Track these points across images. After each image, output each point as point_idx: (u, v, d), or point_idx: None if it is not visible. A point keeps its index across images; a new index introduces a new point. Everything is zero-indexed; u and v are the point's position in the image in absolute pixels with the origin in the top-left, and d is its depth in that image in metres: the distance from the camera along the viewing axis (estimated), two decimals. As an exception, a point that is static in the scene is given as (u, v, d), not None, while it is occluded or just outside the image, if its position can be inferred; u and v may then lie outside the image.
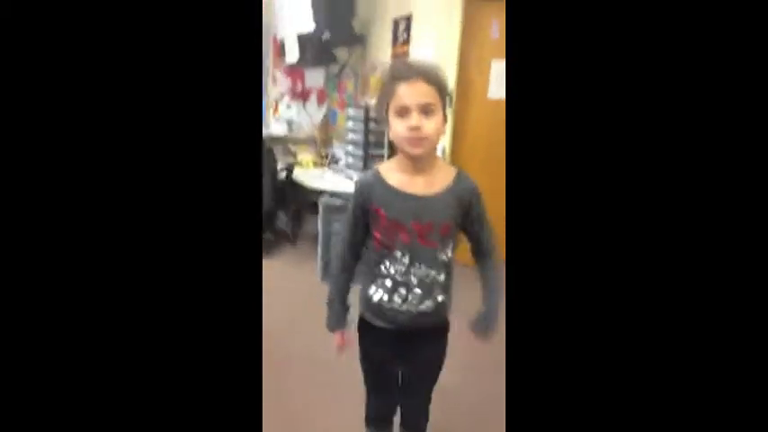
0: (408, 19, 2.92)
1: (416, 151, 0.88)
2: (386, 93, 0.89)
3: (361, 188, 0.95)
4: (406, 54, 2.96)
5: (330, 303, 1.05)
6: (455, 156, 2.74)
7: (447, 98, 0.90)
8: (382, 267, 0.95)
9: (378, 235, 0.94)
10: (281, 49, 3.56)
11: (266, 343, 2.23)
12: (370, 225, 0.96)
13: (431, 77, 0.87)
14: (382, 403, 1.14)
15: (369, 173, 0.97)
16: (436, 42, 2.75)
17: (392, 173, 0.93)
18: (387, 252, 0.93)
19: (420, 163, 0.91)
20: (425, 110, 0.86)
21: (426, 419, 1.16)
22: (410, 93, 0.85)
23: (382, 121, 0.93)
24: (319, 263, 2.72)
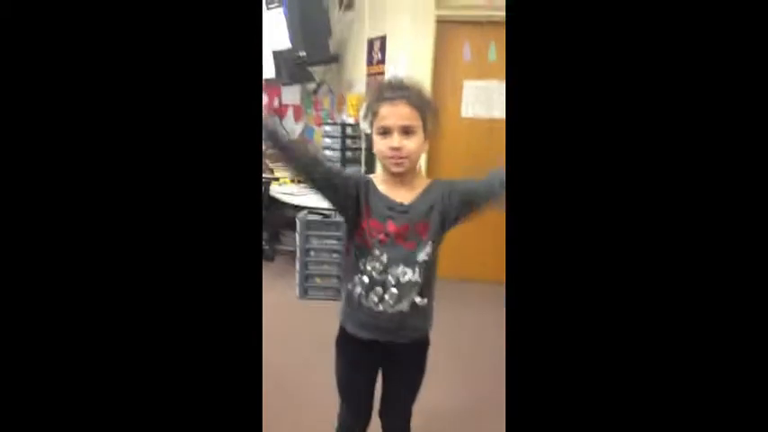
0: (383, 39, 3.00)
1: (397, 169, 0.94)
2: (370, 111, 0.95)
3: (362, 177, 1.01)
4: (381, 73, 3.03)
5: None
6: (431, 172, 2.81)
7: (430, 116, 0.96)
8: (360, 264, 0.97)
9: (359, 230, 0.96)
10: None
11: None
12: (353, 218, 0.98)
13: (413, 99, 0.92)
14: (355, 419, 1.15)
15: (364, 179, 1.01)
16: (410, 63, 2.83)
17: (379, 182, 0.99)
18: (366, 249, 0.96)
19: (401, 177, 0.96)
20: (406, 131, 0.92)
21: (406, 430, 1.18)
22: (392, 114, 0.91)
23: (369, 135, 1.00)
24: (298, 279, 2.72)
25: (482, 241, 2.96)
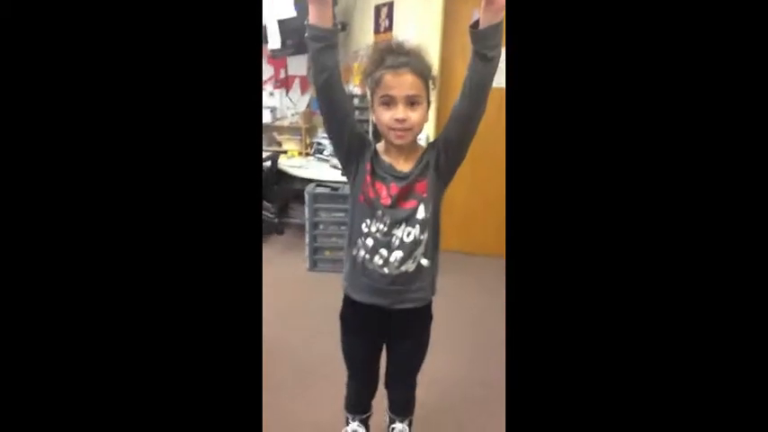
0: (390, 6, 2.91)
1: (400, 141, 0.92)
2: (372, 79, 0.90)
3: (368, 138, 0.99)
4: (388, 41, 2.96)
5: None
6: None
7: (432, 84, 0.93)
8: (364, 226, 0.96)
9: (362, 191, 0.96)
10: (262, 37, 3.51)
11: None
12: (355, 177, 0.97)
13: (417, 68, 0.89)
14: (362, 388, 1.18)
15: (372, 142, 0.99)
16: (418, 30, 2.75)
17: (381, 150, 0.98)
18: (369, 210, 0.95)
19: (401, 147, 0.95)
20: (411, 101, 0.89)
21: (413, 404, 1.21)
22: (397, 84, 0.88)
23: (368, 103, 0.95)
24: (307, 252, 2.75)
25: (485, 216, 2.96)
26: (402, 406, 1.19)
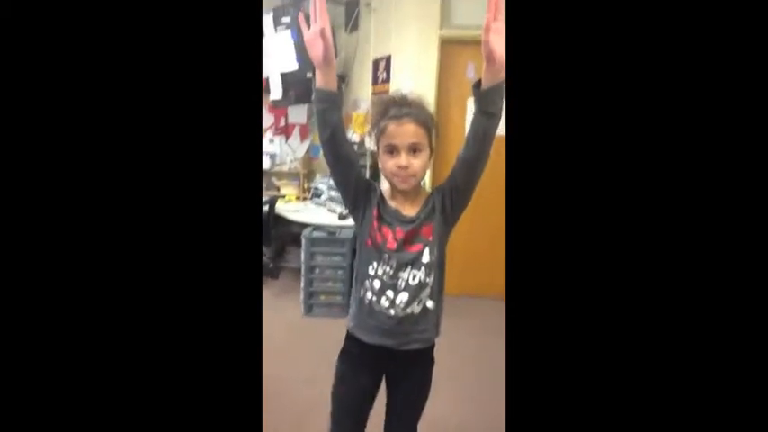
0: (388, 59, 3.06)
1: (404, 186, 0.97)
2: (377, 129, 0.96)
3: (374, 183, 1.02)
4: (386, 92, 3.08)
5: None
6: (436, 184, 2.83)
7: (434, 132, 0.98)
8: (370, 268, 0.98)
9: (369, 235, 0.98)
10: (265, 87, 3.66)
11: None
12: (362, 221, 1.00)
13: (419, 117, 0.94)
14: None
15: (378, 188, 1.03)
16: (414, 81, 2.88)
17: (387, 196, 1.02)
18: (376, 253, 0.97)
19: (406, 193, 0.99)
20: (414, 149, 0.94)
21: None
22: (400, 133, 0.93)
23: (374, 152, 1.01)
24: (302, 297, 2.72)
25: (485, 259, 2.96)
26: None
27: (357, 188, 0.99)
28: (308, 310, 2.71)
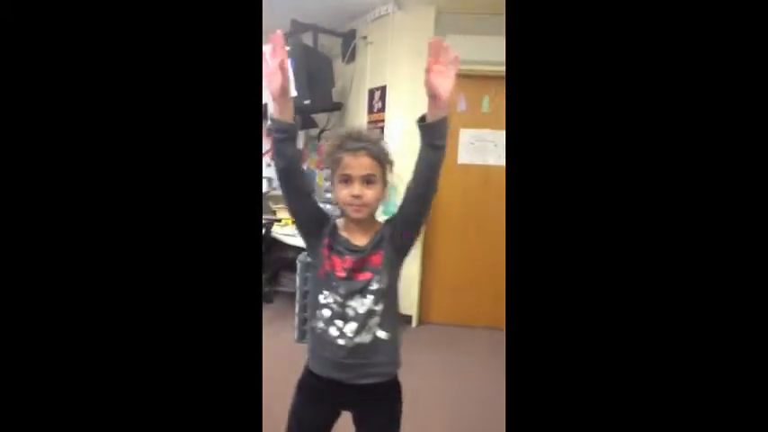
0: (383, 89, 3.15)
1: (357, 215, 1.00)
2: (332, 160, 1.01)
3: (330, 215, 1.06)
4: (381, 121, 3.17)
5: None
6: (430, 216, 2.87)
7: (388, 166, 1.03)
8: (321, 297, 1.00)
9: (320, 264, 1.01)
10: (264, 113, 3.74)
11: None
12: (315, 252, 1.03)
13: (373, 151, 0.99)
14: None
15: (333, 218, 1.07)
16: (410, 111, 2.96)
17: (340, 226, 1.05)
18: (325, 282, 1.00)
19: (359, 222, 1.02)
20: (367, 180, 0.98)
21: None
22: (355, 165, 0.97)
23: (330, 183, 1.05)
24: (296, 322, 2.70)
25: (475, 288, 2.98)
26: None
27: (310, 218, 1.03)
28: (302, 336, 2.70)
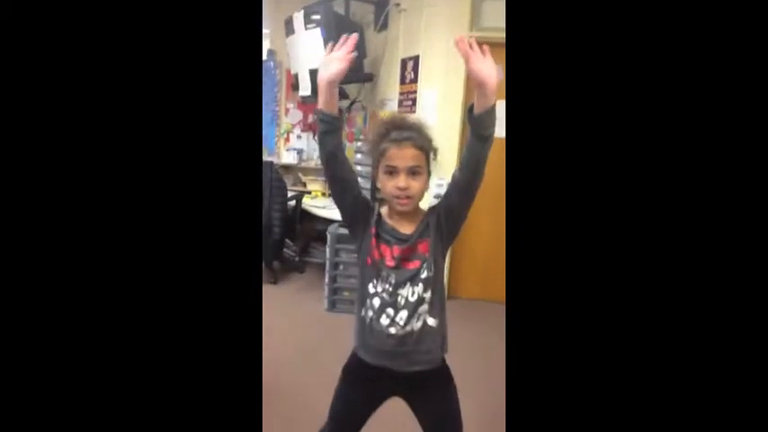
0: (416, 59, 3.06)
1: (403, 209, 0.98)
2: (377, 151, 0.99)
3: (373, 203, 1.05)
4: (413, 92, 3.09)
5: None
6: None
7: (432, 155, 1.00)
8: (371, 287, 1.00)
9: (368, 254, 1.01)
10: (294, 84, 3.73)
11: (272, 371, 2.25)
12: (361, 240, 1.03)
13: (419, 142, 0.97)
14: None
15: (376, 206, 1.06)
16: (442, 81, 2.88)
17: (385, 215, 1.04)
18: (375, 271, 0.99)
19: (405, 213, 1.01)
20: (413, 171, 0.96)
21: None
22: (400, 156, 0.95)
23: (374, 173, 1.04)
24: (326, 292, 2.77)
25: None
26: None
27: (354, 207, 1.02)
28: (332, 306, 2.77)
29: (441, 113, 2.89)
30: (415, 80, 3.08)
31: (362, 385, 1.08)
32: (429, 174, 1.00)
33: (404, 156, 0.95)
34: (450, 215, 0.99)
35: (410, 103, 3.13)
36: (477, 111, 0.89)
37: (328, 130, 0.95)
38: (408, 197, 0.96)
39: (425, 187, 0.99)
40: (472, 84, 0.88)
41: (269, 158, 3.61)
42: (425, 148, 0.98)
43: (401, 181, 0.95)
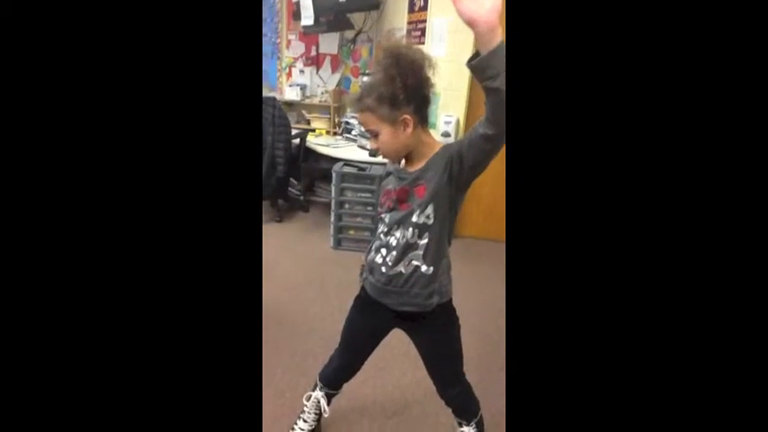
0: (426, -16, 2.84)
1: (386, 159, 1.04)
2: None
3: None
4: (423, 21, 2.90)
5: None
6: (468, 127, 2.74)
7: (393, 103, 0.90)
8: (380, 225, 1.05)
9: (382, 192, 1.06)
10: (295, 13, 3.50)
11: (279, 308, 2.33)
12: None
13: (368, 104, 0.93)
14: (343, 368, 1.25)
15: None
16: (454, 11, 2.69)
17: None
18: (379, 216, 1.05)
19: (416, 154, 0.99)
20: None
21: (473, 405, 1.19)
22: (362, 122, 0.99)
23: None
24: (332, 231, 2.79)
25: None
26: (461, 408, 1.19)
27: None
28: (337, 243, 2.80)
29: (451, 45, 2.73)
30: (425, 8, 2.88)
31: (368, 315, 1.13)
32: (393, 121, 0.92)
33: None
34: (464, 163, 0.90)
35: (419, 33, 2.95)
36: (481, 53, 0.76)
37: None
38: (383, 154, 1.00)
39: (394, 138, 0.94)
40: (466, 24, 0.74)
41: (271, 94, 3.49)
42: (371, 107, 0.93)
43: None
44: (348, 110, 1.10)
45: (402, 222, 0.98)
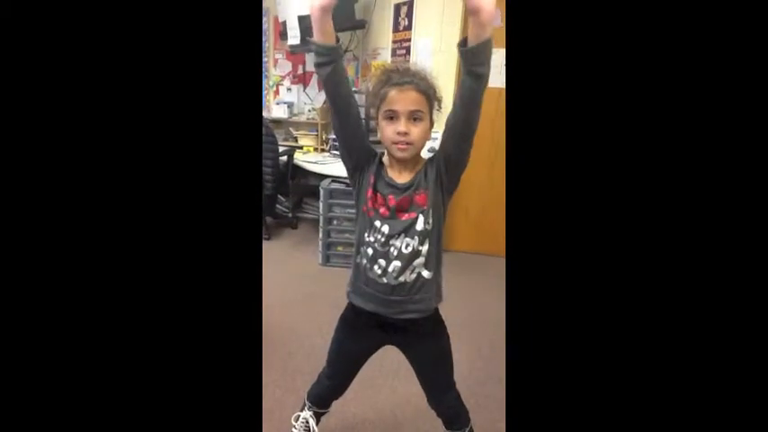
0: (410, 4, 2.91)
1: (401, 155, 0.94)
2: (377, 96, 0.94)
3: (376, 154, 1.01)
4: (407, 40, 2.96)
5: None
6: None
7: (436, 104, 0.96)
8: (366, 235, 0.99)
9: (364, 202, 0.99)
10: (282, 33, 3.55)
11: (267, 325, 2.29)
12: (360, 188, 1.01)
13: (421, 86, 0.92)
14: (331, 388, 1.21)
15: (379, 154, 1.03)
16: (438, 29, 2.75)
17: (387, 164, 1.01)
18: (369, 220, 0.98)
19: (404, 162, 0.98)
20: (414, 116, 0.91)
21: (464, 414, 1.18)
22: (400, 99, 0.91)
23: (372, 122, 1.00)
24: (320, 247, 2.78)
25: (500, 217, 2.95)
26: (454, 416, 1.18)
27: (360, 153, 0.99)
28: (326, 260, 2.79)
29: (436, 63, 2.79)
30: (409, 27, 2.95)
31: (357, 333, 1.10)
32: (432, 123, 0.96)
33: (405, 99, 0.90)
34: (449, 164, 0.95)
35: (404, 51, 3.01)
36: (471, 43, 0.82)
37: (326, 62, 0.88)
38: (408, 143, 0.92)
39: (427, 137, 0.95)
40: (467, 11, 0.80)
41: (258, 112, 3.50)
42: (428, 93, 0.93)
43: (401, 125, 0.91)
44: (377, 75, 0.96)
45: (406, 231, 0.96)
